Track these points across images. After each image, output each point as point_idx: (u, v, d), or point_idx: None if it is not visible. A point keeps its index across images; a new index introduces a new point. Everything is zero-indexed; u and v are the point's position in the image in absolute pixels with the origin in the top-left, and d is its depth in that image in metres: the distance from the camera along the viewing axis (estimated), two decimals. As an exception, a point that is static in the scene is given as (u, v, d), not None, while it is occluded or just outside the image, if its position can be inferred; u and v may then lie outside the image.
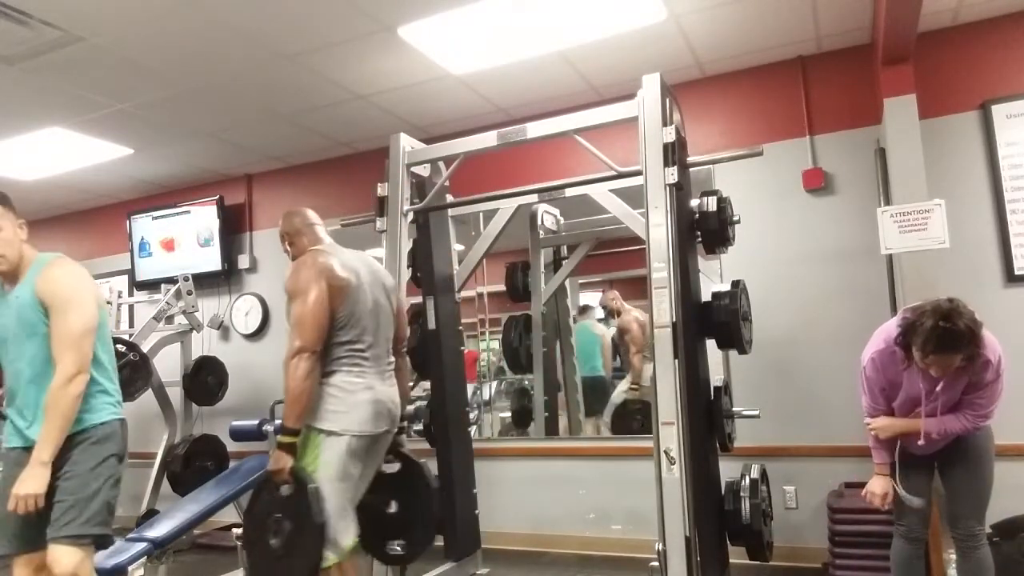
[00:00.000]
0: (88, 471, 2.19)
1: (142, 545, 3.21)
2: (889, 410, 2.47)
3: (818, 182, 3.77)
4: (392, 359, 2.66)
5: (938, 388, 2.30)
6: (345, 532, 2.40)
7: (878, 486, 2.49)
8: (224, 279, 5.42)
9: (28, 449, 2.18)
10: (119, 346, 4.38)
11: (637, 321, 4.58)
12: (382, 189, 3.33)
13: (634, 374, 4.60)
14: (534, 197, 3.71)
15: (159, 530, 3.35)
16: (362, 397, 2.43)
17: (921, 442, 2.35)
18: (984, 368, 2.27)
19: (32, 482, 2.09)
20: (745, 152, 3.07)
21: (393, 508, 2.76)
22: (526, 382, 4.65)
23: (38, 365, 2.21)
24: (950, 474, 2.47)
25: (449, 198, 3.61)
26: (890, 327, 2.39)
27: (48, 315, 2.20)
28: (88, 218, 6.23)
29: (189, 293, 4.94)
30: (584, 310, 4.98)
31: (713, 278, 3.67)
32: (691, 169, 2.98)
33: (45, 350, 2.20)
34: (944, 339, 2.15)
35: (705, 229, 2.95)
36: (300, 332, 2.34)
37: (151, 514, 4.36)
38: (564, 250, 4.67)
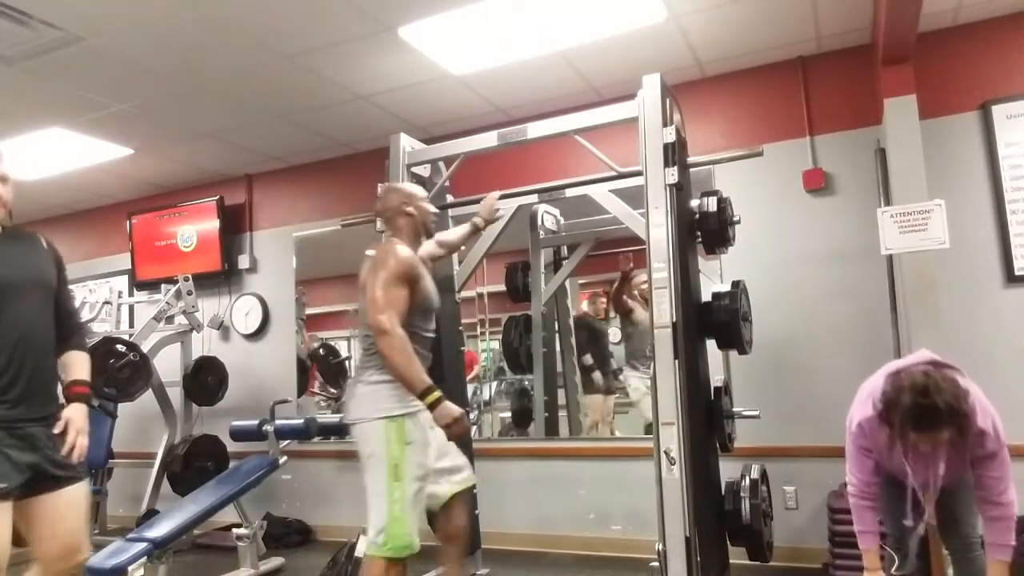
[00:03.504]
0: None
1: (142, 545, 3.21)
2: (875, 480, 2.32)
3: (818, 182, 3.77)
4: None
5: (940, 472, 2.14)
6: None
7: None
8: (224, 279, 5.42)
9: None
10: (119, 346, 4.39)
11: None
12: (382, 189, 3.33)
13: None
14: (534, 197, 3.71)
15: (159, 530, 3.35)
16: None
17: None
18: (981, 440, 2.07)
19: None
20: (745, 152, 3.07)
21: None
22: (526, 382, 4.65)
23: None
24: (947, 492, 2.34)
25: (449, 198, 3.61)
26: (876, 390, 2.16)
27: None
28: (88, 218, 6.24)
29: (189, 293, 4.94)
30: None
31: (713, 278, 3.67)
32: (691, 169, 2.98)
33: None
34: (924, 418, 1.95)
35: (705, 229, 2.95)
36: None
37: (151, 514, 4.36)
38: (564, 250, 4.67)
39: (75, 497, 2.10)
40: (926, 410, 1.94)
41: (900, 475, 2.27)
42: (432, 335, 2.62)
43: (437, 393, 2.29)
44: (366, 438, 2.37)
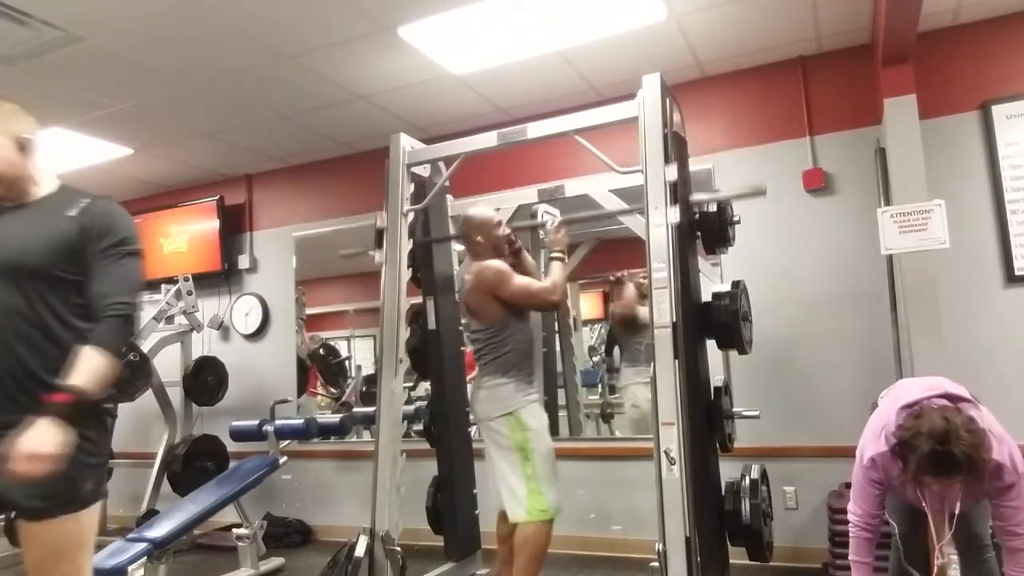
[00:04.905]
0: None
1: (142, 545, 3.21)
2: (879, 513, 2.31)
3: (818, 182, 3.77)
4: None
5: (956, 511, 2.10)
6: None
7: None
8: (224, 279, 5.42)
9: None
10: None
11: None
12: (380, 221, 3.26)
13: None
14: (534, 197, 3.71)
15: (159, 530, 3.35)
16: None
17: None
18: (999, 472, 2.03)
19: None
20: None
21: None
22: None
23: None
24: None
25: (449, 198, 3.61)
26: (889, 423, 2.13)
27: None
28: (88, 218, 6.23)
29: (189, 293, 4.94)
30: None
31: (713, 278, 3.66)
32: (691, 170, 2.98)
33: None
34: (940, 465, 1.94)
35: (705, 229, 2.95)
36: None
37: (151, 514, 4.36)
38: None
39: (38, 535, 1.71)
40: (943, 457, 1.91)
41: (913, 502, 2.26)
42: (529, 333, 3.07)
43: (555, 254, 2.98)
44: (494, 432, 2.85)
